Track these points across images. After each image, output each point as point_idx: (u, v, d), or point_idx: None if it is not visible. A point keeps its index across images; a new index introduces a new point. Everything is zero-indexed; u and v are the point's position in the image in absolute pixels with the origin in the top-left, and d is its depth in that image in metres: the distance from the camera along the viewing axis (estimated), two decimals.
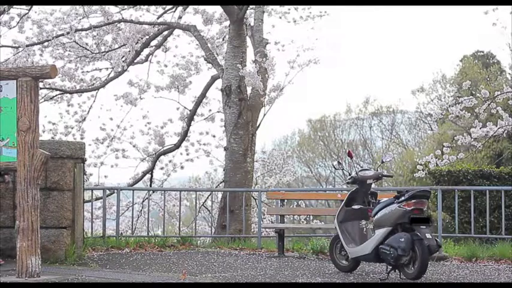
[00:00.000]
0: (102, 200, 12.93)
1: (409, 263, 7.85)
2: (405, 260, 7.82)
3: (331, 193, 14.10)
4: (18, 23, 15.54)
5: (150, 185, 17.29)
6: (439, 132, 29.92)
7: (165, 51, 17.72)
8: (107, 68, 17.18)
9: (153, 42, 16.96)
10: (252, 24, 16.01)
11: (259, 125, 15.40)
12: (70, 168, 9.42)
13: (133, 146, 18.43)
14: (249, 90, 14.97)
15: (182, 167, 18.96)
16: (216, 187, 19.47)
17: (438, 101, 33.90)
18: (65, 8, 16.12)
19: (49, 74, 7.49)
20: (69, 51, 16.45)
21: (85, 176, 11.13)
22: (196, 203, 16.62)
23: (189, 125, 17.61)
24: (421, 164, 16.67)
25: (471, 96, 16.01)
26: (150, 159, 18.07)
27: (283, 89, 16.18)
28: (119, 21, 16.14)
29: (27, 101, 7.38)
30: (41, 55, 16.08)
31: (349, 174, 9.10)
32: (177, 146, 17.89)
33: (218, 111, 17.87)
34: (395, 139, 41.34)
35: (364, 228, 8.49)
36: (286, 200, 12.02)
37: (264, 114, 15.65)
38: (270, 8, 16.82)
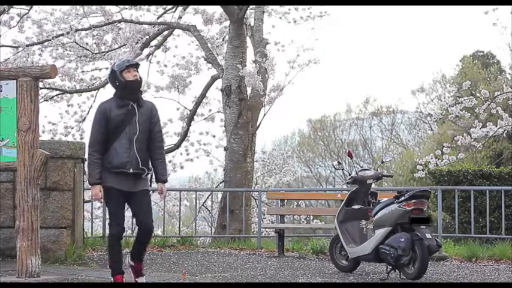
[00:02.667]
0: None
1: (409, 263, 7.85)
2: (405, 260, 7.82)
3: (331, 193, 14.10)
4: (18, 22, 15.53)
5: (150, 185, 17.27)
6: (439, 132, 29.92)
7: (165, 51, 17.72)
8: (107, 68, 17.17)
9: (153, 42, 16.96)
10: (252, 24, 16.01)
11: (259, 125, 15.41)
12: (70, 168, 9.42)
13: None
14: (249, 90, 14.97)
15: (182, 167, 18.96)
16: (216, 187, 19.47)
17: (438, 101, 33.93)
18: (65, 8, 16.12)
19: (49, 74, 7.49)
20: (69, 51, 16.44)
21: (85, 176, 11.11)
22: (196, 203, 16.63)
23: (189, 125, 17.61)
24: (421, 164, 16.68)
25: (471, 96, 16.02)
26: None
27: (283, 89, 16.18)
28: (119, 21, 16.14)
29: (27, 101, 7.37)
30: (40, 55, 16.08)
31: (349, 174, 9.10)
32: (177, 146, 17.88)
33: (218, 111, 17.87)
34: (395, 139, 41.34)
35: (364, 228, 8.49)
36: (286, 200, 12.02)
37: (264, 114, 15.66)
38: (270, 8, 16.82)
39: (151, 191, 7.02)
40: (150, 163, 6.91)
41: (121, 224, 6.81)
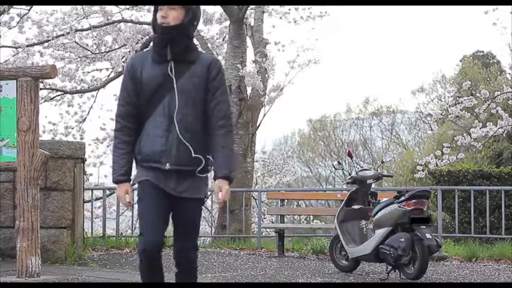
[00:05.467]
0: (102, 200, 12.92)
1: (409, 263, 7.85)
2: (405, 260, 7.82)
3: (331, 193, 14.10)
4: (18, 23, 15.53)
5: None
6: (439, 132, 29.91)
7: None
8: (107, 69, 17.18)
9: None
10: (252, 24, 16.02)
11: (259, 125, 15.42)
12: (70, 168, 9.42)
13: None
14: (249, 90, 14.98)
15: None
16: None
17: (438, 101, 33.93)
18: (66, 9, 16.13)
19: (49, 74, 7.49)
20: (70, 51, 16.45)
21: (85, 176, 11.11)
22: None
23: None
24: (421, 164, 16.67)
25: (471, 96, 16.02)
26: None
27: (283, 89, 16.19)
28: (119, 21, 16.14)
29: (27, 101, 7.37)
30: (41, 55, 16.08)
31: (349, 174, 9.11)
32: None
33: None
34: (395, 139, 41.34)
35: (364, 228, 8.49)
36: (286, 200, 12.03)
37: (264, 114, 15.67)
38: (270, 8, 16.83)
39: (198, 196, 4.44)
40: (207, 154, 4.33)
41: (154, 233, 4.31)
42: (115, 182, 4.36)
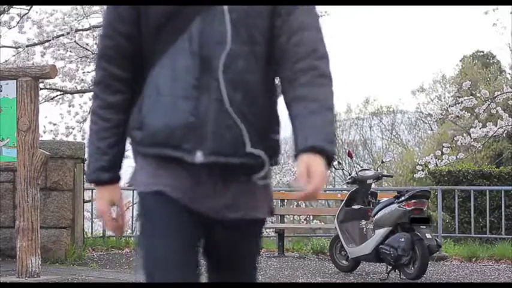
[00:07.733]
0: None
1: (409, 263, 7.85)
2: (405, 260, 7.82)
3: (331, 193, 14.10)
4: (18, 23, 15.54)
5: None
6: (439, 132, 29.93)
7: None
8: None
9: None
10: None
11: None
12: (70, 168, 9.42)
13: None
14: None
15: None
16: None
17: (438, 101, 33.94)
18: (66, 9, 16.14)
19: (49, 74, 7.49)
20: (70, 51, 16.45)
21: (85, 176, 11.11)
22: None
23: None
24: (421, 164, 16.67)
25: (471, 96, 16.02)
26: None
27: None
28: None
29: (27, 101, 7.37)
30: (42, 56, 16.09)
31: (349, 174, 9.12)
32: None
33: None
34: (395, 139, 41.35)
35: (364, 228, 8.50)
36: (286, 200, 12.02)
37: None
38: None
39: None
40: (276, 133, 2.21)
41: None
42: (90, 181, 2.32)
